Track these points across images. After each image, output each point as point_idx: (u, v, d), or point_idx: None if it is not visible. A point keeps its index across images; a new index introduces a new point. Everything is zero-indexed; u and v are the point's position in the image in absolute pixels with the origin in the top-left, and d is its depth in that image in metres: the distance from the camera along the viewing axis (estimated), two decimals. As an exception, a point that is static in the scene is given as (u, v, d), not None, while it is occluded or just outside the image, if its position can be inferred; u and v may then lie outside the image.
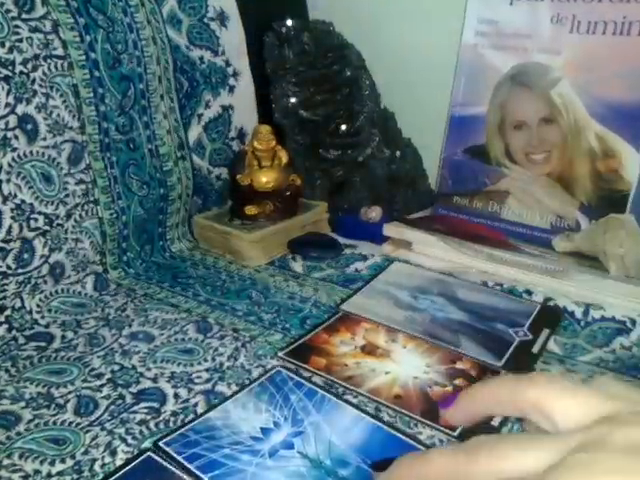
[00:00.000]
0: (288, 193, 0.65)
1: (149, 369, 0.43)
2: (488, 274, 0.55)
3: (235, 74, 0.69)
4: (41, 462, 0.34)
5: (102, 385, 0.41)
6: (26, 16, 0.50)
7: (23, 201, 0.49)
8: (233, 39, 0.69)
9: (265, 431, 0.36)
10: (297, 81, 0.69)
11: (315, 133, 0.71)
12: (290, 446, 0.34)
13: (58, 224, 0.52)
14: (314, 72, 0.69)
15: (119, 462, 0.34)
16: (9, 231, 0.49)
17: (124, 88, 0.58)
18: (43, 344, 0.46)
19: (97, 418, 0.38)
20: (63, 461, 0.34)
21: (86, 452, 0.35)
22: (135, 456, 0.34)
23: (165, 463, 0.33)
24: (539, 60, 0.59)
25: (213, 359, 0.44)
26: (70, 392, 0.40)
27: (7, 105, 0.48)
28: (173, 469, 0.32)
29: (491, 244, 0.58)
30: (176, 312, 0.51)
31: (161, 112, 0.62)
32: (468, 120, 0.64)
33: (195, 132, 0.66)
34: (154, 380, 0.41)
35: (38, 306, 0.51)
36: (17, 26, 0.49)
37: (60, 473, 0.33)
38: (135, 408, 0.38)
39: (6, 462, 0.34)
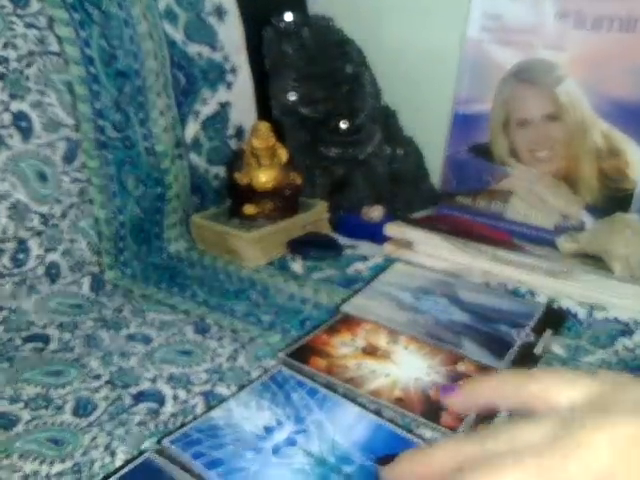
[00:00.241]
0: (288, 192, 0.65)
1: (148, 370, 0.44)
2: (491, 274, 0.56)
3: (233, 70, 0.70)
4: (40, 463, 0.35)
5: (100, 386, 0.42)
6: (21, 12, 0.51)
7: (18, 200, 0.51)
8: (231, 34, 0.69)
9: (268, 429, 0.37)
10: (297, 77, 0.70)
11: (315, 130, 0.71)
12: (293, 444, 0.35)
13: (53, 224, 0.53)
14: (314, 68, 0.70)
15: (118, 463, 0.35)
16: (4, 231, 0.50)
17: (120, 85, 0.59)
18: (40, 345, 0.47)
19: (96, 419, 0.39)
20: (62, 461, 0.35)
21: (85, 453, 0.36)
22: (134, 457, 0.35)
23: (164, 464, 0.34)
24: (544, 56, 0.60)
25: (212, 360, 0.45)
26: (68, 393, 0.41)
27: (1, 102, 0.49)
28: (172, 470, 0.33)
29: (495, 244, 0.59)
30: (174, 313, 0.52)
31: (158, 109, 0.63)
32: (472, 118, 0.65)
33: (192, 130, 0.67)
34: (153, 381, 0.42)
35: (34, 307, 0.52)
36: (12, 22, 0.50)
37: (59, 474, 0.34)
38: (134, 409, 0.40)
39: (5, 463, 0.35)
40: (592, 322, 0.49)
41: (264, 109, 0.73)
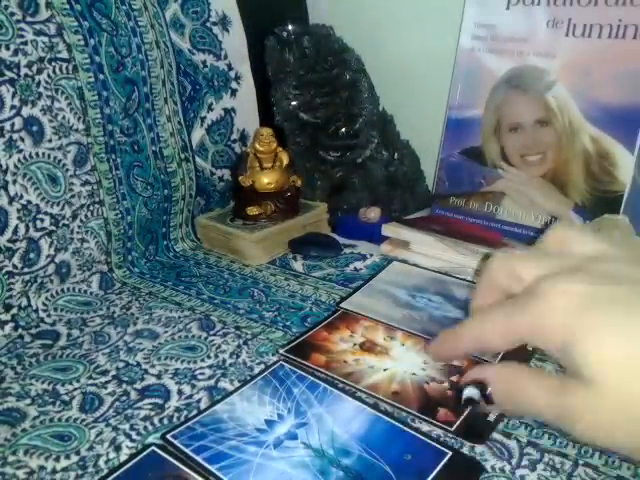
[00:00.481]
0: (289, 194, 0.64)
1: (153, 366, 0.42)
2: (484, 273, 0.55)
3: (237, 78, 0.69)
4: (46, 458, 0.33)
5: (107, 382, 0.40)
6: (30, 19, 0.49)
7: (29, 202, 0.49)
8: (235, 43, 0.68)
9: (269, 423, 0.35)
10: (298, 84, 0.69)
11: (315, 135, 0.70)
12: (294, 437, 0.34)
13: (64, 224, 0.52)
14: (314, 75, 0.69)
15: (123, 457, 0.33)
16: (15, 231, 0.48)
17: (128, 91, 0.57)
18: (49, 342, 0.46)
19: (102, 414, 0.37)
20: (68, 457, 0.34)
21: (91, 448, 0.34)
22: (139, 451, 0.33)
23: (168, 457, 0.33)
24: (535, 63, 0.58)
25: (216, 356, 0.43)
26: (75, 389, 0.40)
27: (12, 107, 0.48)
28: (176, 463, 0.32)
29: (487, 244, 0.58)
30: (180, 310, 0.50)
31: (165, 115, 0.62)
32: (465, 123, 0.64)
33: (198, 134, 0.66)
34: (158, 377, 0.41)
35: (44, 305, 0.50)
36: (22, 29, 0.48)
37: (65, 469, 0.33)
38: (139, 404, 0.38)
39: (11, 459, 0.33)
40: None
41: (266, 115, 0.72)
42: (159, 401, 0.38)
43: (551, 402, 0.26)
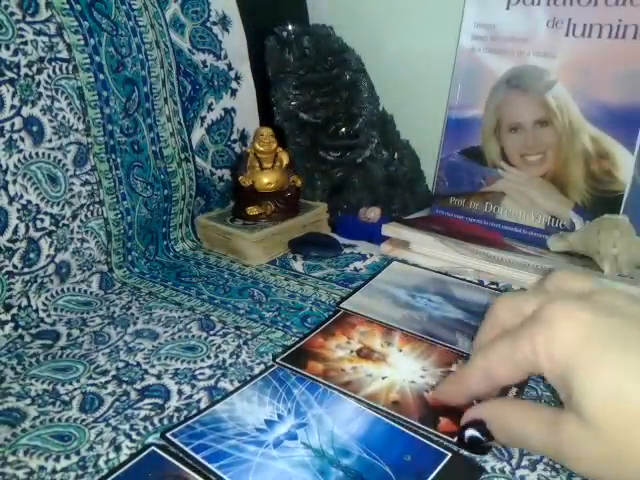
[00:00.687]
0: (289, 194, 0.64)
1: (153, 366, 0.42)
2: (484, 273, 0.55)
3: (237, 77, 0.69)
4: (46, 458, 0.33)
5: (107, 382, 0.40)
6: (30, 19, 0.49)
7: (29, 202, 0.49)
8: (235, 43, 0.68)
9: (269, 423, 0.35)
10: (298, 84, 0.69)
11: (315, 135, 0.70)
12: (294, 437, 0.34)
13: (64, 224, 0.52)
14: (314, 75, 0.69)
15: (123, 457, 0.33)
16: (15, 231, 0.48)
17: (128, 91, 0.57)
18: (49, 342, 0.46)
19: (102, 414, 0.37)
20: (68, 457, 0.33)
21: (91, 448, 0.34)
22: (139, 451, 0.33)
23: (168, 457, 0.33)
24: (535, 63, 0.58)
25: (216, 356, 0.43)
26: (75, 389, 0.40)
27: (12, 107, 0.48)
28: (176, 463, 0.32)
29: (487, 244, 0.58)
30: (180, 310, 0.50)
31: (165, 115, 0.62)
32: (464, 123, 0.64)
33: (198, 134, 0.66)
34: (158, 377, 0.41)
35: (44, 305, 0.50)
36: (21, 29, 0.48)
37: (65, 469, 0.33)
38: (139, 404, 0.38)
39: (11, 459, 0.33)
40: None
41: (266, 115, 0.72)
42: (159, 401, 0.38)
43: (546, 439, 0.27)
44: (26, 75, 0.49)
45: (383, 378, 0.40)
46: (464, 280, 0.54)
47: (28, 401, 0.38)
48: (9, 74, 0.47)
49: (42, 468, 0.33)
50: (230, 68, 0.68)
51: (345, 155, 0.70)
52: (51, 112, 0.51)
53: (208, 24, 0.66)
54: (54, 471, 0.33)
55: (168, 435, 0.34)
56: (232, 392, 0.38)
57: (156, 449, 0.33)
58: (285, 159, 0.64)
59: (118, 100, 0.56)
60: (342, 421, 0.35)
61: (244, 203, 0.64)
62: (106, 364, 0.42)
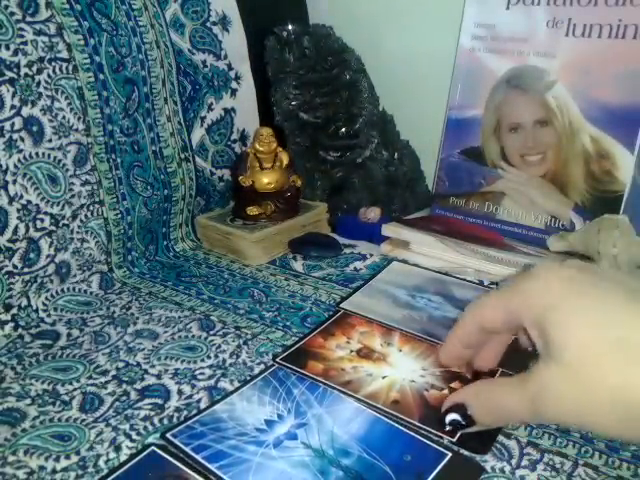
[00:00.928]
0: (289, 194, 0.64)
1: (153, 366, 0.42)
2: (484, 273, 0.55)
3: (237, 77, 0.69)
4: (46, 458, 0.33)
5: (107, 382, 0.40)
6: (30, 19, 0.49)
7: (29, 202, 0.49)
8: (235, 43, 0.68)
9: (269, 423, 0.35)
10: (298, 84, 0.69)
11: (315, 135, 0.70)
12: (294, 437, 0.34)
13: (64, 224, 0.52)
14: (314, 75, 0.69)
15: (123, 457, 0.33)
16: (15, 231, 0.48)
17: (128, 91, 0.57)
18: (49, 342, 0.46)
19: (102, 414, 0.37)
20: (68, 457, 0.33)
21: (91, 448, 0.34)
22: (139, 451, 0.33)
23: (168, 457, 0.33)
24: (535, 63, 0.58)
25: (216, 356, 0.43)
26: (75, 389, 0.40)
27: (12, 107, 0.48)
28: (176, 463, 0.32)
29: (487, 244, 0.58)
30: (180, 310, 0.50)
31: (165, 115, 0.62)
32: (464, 122, 0.64)
33: (198, 134, 0.66)
34: (158, 377, 0.41)
35: (44, 305, 0.50)
36: (21, 29, 0.48)
37: (65, 469, 0.33)
38: (139, 404, 0.38)
39: (11, 459, 0.33)
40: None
41: (266, 115, 0.72)
42: (159, 401, 0.38)
43: (520, 397, 0.29)
44: (26, 75, 0.49)
45: (383, 377, 0.40)
46: (464, 280, 0.54)
47: (28, 401, 0.38)
48: (9, 74, 0.47)
49: (42, 468, 0.33)
50: (230, 68, 0.68)
51: (345, 155, 0.70)
52: (51, 112, 0.51)
53: (208, 24, 0.66)
54: (54, 471, 0.33)
55: (168, 435, 0.34)
56: (232, 392, 0.39)
57: (156, 449, 0.33)
58: (285, 159, 0.64)
59: (118, 100, 0.56)
60: (342, 421, 0.35)
61: (244, 203, 0.64)
62: (106, 364, 0.42)
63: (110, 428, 0.36)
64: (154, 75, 0.60)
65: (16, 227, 0.48)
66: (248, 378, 0.40)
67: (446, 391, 0.38)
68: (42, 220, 0.50)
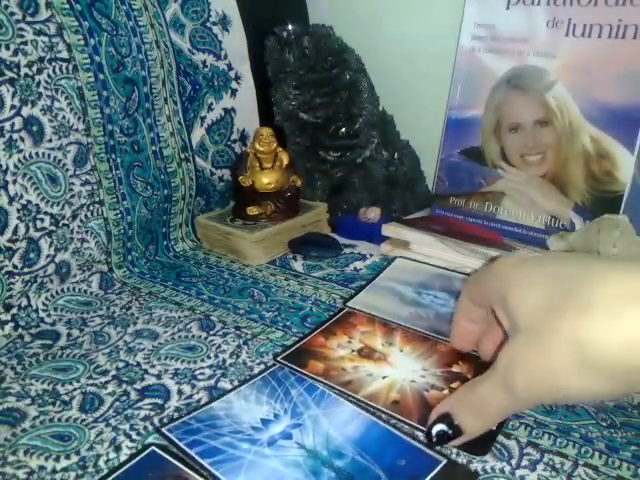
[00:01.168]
0: (289, 194, 0.64)
1: (153, 366, 0.42)
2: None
3: (237, 77, 0.69)
4: (46, 458, 0.33)
5: (107, 382, 0.40)
6: (30, 19, 0.49)
7: (29, 202, 0.49)
8: (235, 43, 0.68)
9: (265, 422, 0.35)
10: (298, 84, 0.69)
11: (315, 135, 0.70)
12: (288, 437, 0.34)
13: (64, 224, 0.52)
14: (314, 75, 0.69)
15: (123, 457, 0.33)
16: (15, 231, 0.48)
17: (128, 91, 0.57)
18: (49, 342, 0.46)
19: (102, 414, 0.37)
20: (68, 457, 0.33)
21: (91, 448, 0.34)
22: (139, 451, 0.33)
23: (168, 457, 0.33)
24: (535, 63, 0.58)
25: (216, 356, 0.43)
26: (75, 389, 0.40)
27: (12, 107, 0.48)
28: (176, 463, 0.32)
29: (487, 244, 0.58)
30: (180, 310, 0.50)
31: (165, 115, 0.62)
32: (464, 123, 0.64)
33: (198, 134, 0.66)
34: (158, 377, 0.41)
35: (44, 305, 0.50)
36: (21, 29, 0.48)
37: (65, 469, 0.33)
38: (139, 404, 0.38)
39: (11, 459, 0.33)
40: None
41: (266, 115, 0.72)
42: (159, 401, 0.38)
43: (493, 378, 0.30)
44: (26, 75, 0.49)
45: (383, 377, 0.40)
46: (468, 275, 0.54)
47: (28, 401, 0.38)
48: (9, 74, 0.47)
49: (42, 468, 0.33)
50: (230, 68, 0.68)
51: (345, 155, 0.70)
52: (51, 112, 0.51)
53: (208, 24, 0.66)
54: (54, 471, 0.33)
55: (164, 430, 0.35)
56: (230, 390, 0.39)
57: (156, 449, 0.33)
58: (285, 159, 0.64)
59: (118, 100, 0.56)
60: (338, 423, 0.35)
61: (244, 203, 0.64)
62: (106, 364, 0.42)
63: (110, 428, 0.36)
64: (154, 75, 0.60)
65: (16, 227, 0.48)
66: (248, 378, 0.40)
67: (446, 391, 0.38)
68: (42, 220, 0.50)
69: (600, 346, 0.26)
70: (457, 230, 0.61)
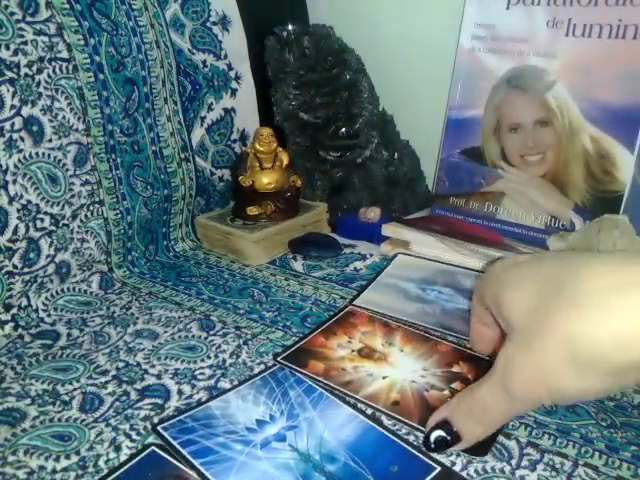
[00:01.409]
0: (289, 194, 0.64)
1: (153, 366, 0.42)
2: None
3: (237, 77, 0.69)
4: (46, 458, 0.33)
5: (107, 382, 0.40)
6: (30, 19, 0.49)
7: (29, 201, 0.49)
8: (235, 43, 0.68)
9: (260, 423, 0.35)
10: (298, 84, 0.69)
11: (315, 135, 0.70)
12: (282, 439, 0.34)
13: (64, 224, 0.52)
14: (314, 75, 0.69)
15: (123, 457, 0.33)
16: (15, 231, 0.48)
17: (128, 91, 0.57)
18: (49, 342, 0.46)
19: (102, 414, 0.37)
20: (68, 457, 0.33)
21: (91, 448, 0.34)
22: (139, 451, 0.33)
23: (168, 457, 0.33)
24: (535, 63, 0.58)
25: (216, 356, 0.43)
26: (75, 389, 0.40)
27: (12, 107, 0.48)
28: (176, 463, 0.32)
29: (487, 244, 0.58)
30: (180, 310, 0.50)
31: (165, 115, 0.62)
32: (465, 123, 0.64)
33: (198, 134, 0.66)
34: (158, 377, 0.41)
35: (44, 304, 0.50)
36: (22, 29, 0.48)
37: (65, 469, 0.33)
38: (139, 404, 0.38)
39: (11, 459, 0.33)
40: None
41: (266, 115, 0.72)
42: (159, 401, 0.38)
43: (492, 380, 0.30)
44: (26, 75, 0.49)
45: (384, 378, 0.40)
46: (471, 270, 0.54)
47: (28, 401, 0.38)
48: (9, 74, 0.47)
49: (42, 468, 0.33)
50: (230, 68, 0.68)
51: (345, 155, 0.70)
52: (51, 112, 0.51)
53: (208, 24, 0.65)
54: (54, 471, 0.33)
55: (159, 428, 0.35)
56: (229, 390, 0.38)
57: (156, 449, 0.33)
58: (285, 159, 0.64)
59: (118, 100, 0.56)
60: (334, 426, 0.35)
61: (244, 203, 0.64)
62: (106, 364, 0.42)
63: (110, 428, 0.36)
64: (154, 75, 0.60)
65: (16, 227, 0.48)
66: (247, 378, 0.40)
67: (447, 392, 0.38)
68: (42, 220, 0.50)
69: (591, 341, 0.26)
70: (457, 230, 0.61)
